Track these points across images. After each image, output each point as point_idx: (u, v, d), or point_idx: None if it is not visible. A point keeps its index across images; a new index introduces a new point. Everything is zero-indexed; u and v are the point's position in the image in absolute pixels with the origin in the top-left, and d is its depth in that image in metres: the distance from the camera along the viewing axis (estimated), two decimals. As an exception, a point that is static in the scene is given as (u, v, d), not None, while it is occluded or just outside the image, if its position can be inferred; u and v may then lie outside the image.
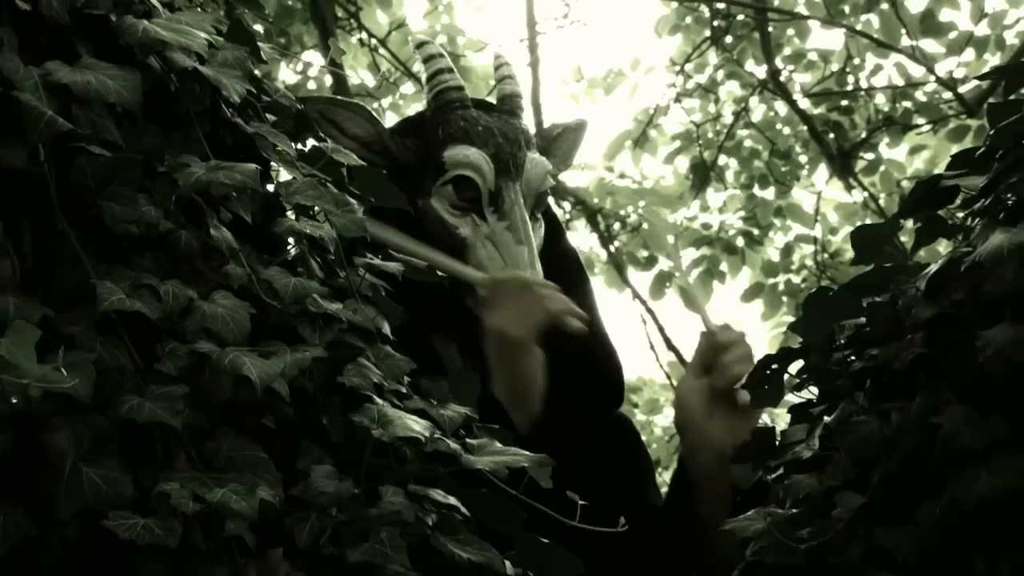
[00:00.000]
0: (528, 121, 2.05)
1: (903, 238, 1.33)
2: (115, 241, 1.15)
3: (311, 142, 1.45)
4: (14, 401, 1.00)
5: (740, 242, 6.08)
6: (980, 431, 1.08)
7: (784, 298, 6.12)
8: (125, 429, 1.07)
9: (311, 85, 6.02)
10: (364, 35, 5.43)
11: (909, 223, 1.30)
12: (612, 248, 5.96)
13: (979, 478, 1.06)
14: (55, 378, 1.01)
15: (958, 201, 1.27)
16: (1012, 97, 1.28)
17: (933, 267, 1.21)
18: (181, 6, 1.37)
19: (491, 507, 1.25)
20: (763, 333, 6.49)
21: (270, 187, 1.32)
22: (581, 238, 6.13)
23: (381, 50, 5.72)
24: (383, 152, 1.90)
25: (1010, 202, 1.17)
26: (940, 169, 1.41)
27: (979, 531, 1.07)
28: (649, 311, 5.73)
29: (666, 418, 6.57)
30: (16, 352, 0.99)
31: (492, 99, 2.10)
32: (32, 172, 1.11)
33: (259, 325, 1.18)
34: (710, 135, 6.15)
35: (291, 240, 1.31)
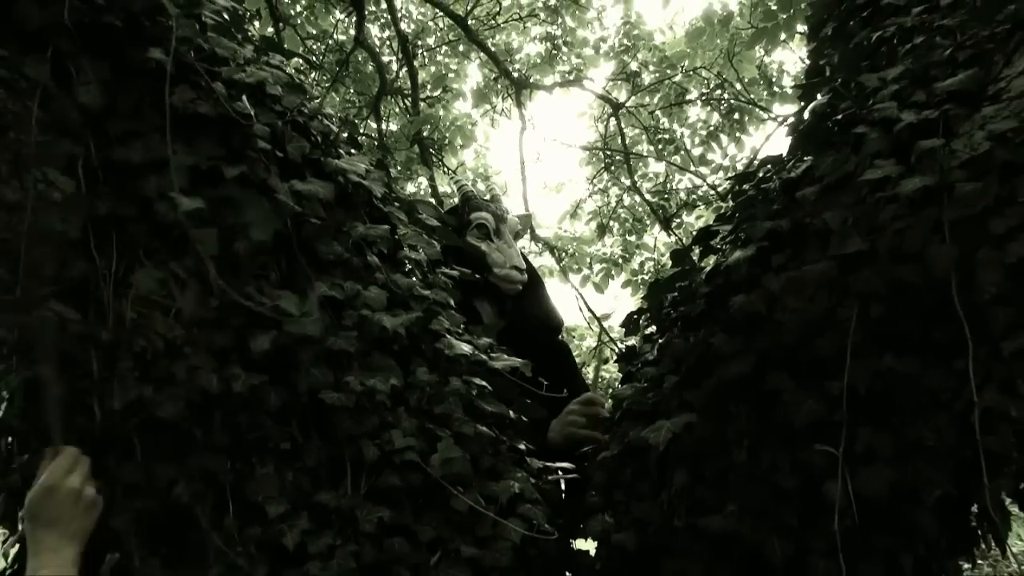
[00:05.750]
0: (507, 204, 2.00)
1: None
2: (322, 263, 1.12)
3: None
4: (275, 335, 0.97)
5: (620, 260, 6.06)
6: (732, 344, 1.05)
7: (641, 286, 6.05)
8: (330, 351, 1.05)
9: (420, 192, 6.00)
10: (445, 168, 5.40)
11: (696, 248, 1.27)
12: (561, 264, 5.91)
13: (731, 367, 1.03)
14: (300, 327, 1.00)
15: (719, 237, 1.23)
16: (740, 188, 1.25)
17: (708, 268, 1.18)
18: (354, 152, 1.34)
19: (503, 385, 1.23)
20: (632, 301, 6.50)
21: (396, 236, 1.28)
22: (547, 259, 6.10)
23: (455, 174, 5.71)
24: (441, 222, 1.87)
25: (742, 236, 1.13)
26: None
27: (733, 392, 1.04)
28: (579, 293, 5.67)
29: (586, 342, 6.51)
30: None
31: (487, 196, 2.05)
32: (283, 232, 1.09)
33: (391, 302, 1.15)
34: (605, 211, 6.11)
35: (406, 261, 1.27)
